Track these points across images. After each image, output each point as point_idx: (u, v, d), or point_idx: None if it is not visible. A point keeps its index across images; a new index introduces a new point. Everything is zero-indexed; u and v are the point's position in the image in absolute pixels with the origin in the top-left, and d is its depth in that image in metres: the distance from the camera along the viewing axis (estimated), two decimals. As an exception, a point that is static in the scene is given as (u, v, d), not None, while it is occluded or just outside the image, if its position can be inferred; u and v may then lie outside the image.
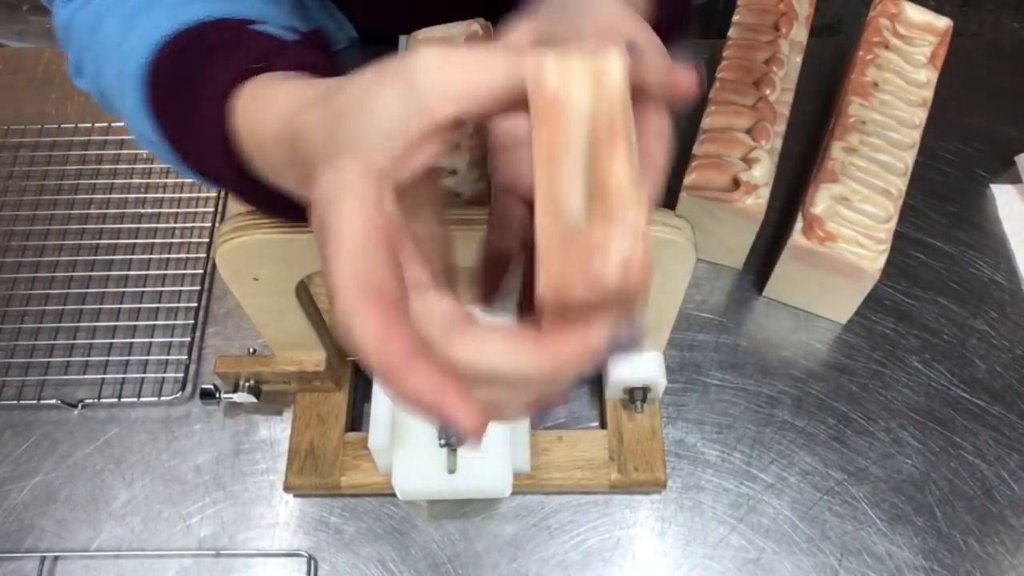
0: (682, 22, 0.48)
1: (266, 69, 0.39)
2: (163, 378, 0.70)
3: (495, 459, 0.58)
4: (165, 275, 0.75)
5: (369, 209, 0.28)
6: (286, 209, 0.39)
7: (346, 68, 0.35)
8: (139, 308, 0.73)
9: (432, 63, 0.29)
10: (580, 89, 0.27)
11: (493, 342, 0.28)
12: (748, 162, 0.70)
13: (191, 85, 0.41)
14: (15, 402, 0.69)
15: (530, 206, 0.30)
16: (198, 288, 0.74)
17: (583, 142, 0.27)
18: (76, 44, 0.49)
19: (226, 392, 0.65)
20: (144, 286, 0.74)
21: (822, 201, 0.68)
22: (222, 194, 0.79)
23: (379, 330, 0.27)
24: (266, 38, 0.42)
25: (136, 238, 0.77)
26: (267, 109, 0.37)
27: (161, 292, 0.74)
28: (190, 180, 0.80)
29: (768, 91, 0.73)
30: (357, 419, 0.68)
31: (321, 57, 0.42)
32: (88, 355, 0.71)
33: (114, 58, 0.45)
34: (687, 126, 0.74)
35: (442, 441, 0.58)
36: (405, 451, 0.58)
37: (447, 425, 0.27)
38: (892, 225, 0.67)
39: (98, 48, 0.47)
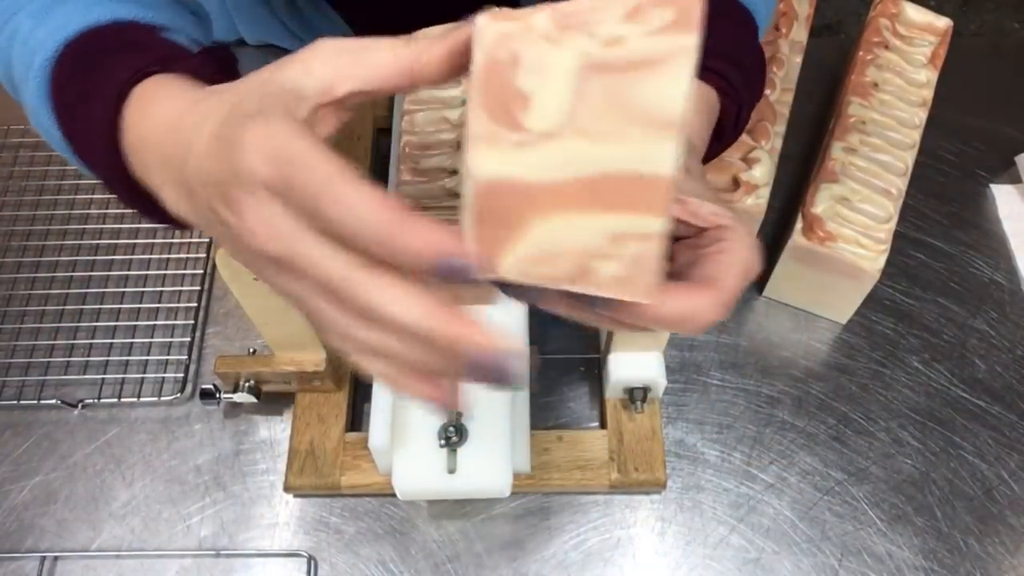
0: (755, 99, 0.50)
1: (163, 72, 0.41)
2: (163, 378, 0.70)
3: (495, 459, 0.58)
4: (165, 275, 0.75)
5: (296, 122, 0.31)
6: (156, 213, 0.41)
7: None
8: (139, 308, 0.73)
9: (332, 50, 0.33)
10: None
11: (397, 287, 0.30)
12: (748, 162, 0.70)
13: (89, 80, 0.42)
14: (15, 402, 0.69)
15: None
16: (198, 288, 0.74)
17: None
18: None
19: (226, 392, 0.65)
20: (144, 286, 0.74)
21: (822, 201, 0.68)
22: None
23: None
24: (169, 44, 0.44)
25: (136, 238, 0.77)
26: (153, 105, 0.39)
27: (161, 292, 0.74)
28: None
29: (768, 91, 0.73)
30: (357, 419, 0.68)
31: (220, 72, 0.43)
32: (88, 355, 0.71)
33: (22, 49, 0.46)
34: (687, 126, 0.74)
35: (442, 441, 0.58)
36: (405, 451, 0.58)
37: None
38: (892, 225, 0.67)
39: (8, 39, 0.47)
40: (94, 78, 0.41)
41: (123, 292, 0.74)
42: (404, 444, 0.58)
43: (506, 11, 0.31)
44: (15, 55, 0.47)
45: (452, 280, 0.29)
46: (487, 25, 0.30)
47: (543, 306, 0.34)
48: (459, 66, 0.32)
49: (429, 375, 0.32)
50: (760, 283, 0.74)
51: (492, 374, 0.30)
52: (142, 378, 0.70)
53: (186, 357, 0.70)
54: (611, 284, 0.31)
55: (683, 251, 0.37)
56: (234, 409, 0.68)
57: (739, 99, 0.46)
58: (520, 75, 0.30)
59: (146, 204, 0.41)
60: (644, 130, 0.29)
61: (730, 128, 0.48)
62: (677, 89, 0.29)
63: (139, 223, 0.77)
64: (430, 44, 0.33)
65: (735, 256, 0.35)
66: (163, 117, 0.37)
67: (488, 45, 0.30)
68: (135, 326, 0.72)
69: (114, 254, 0.76)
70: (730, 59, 0.45)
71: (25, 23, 0.46)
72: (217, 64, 0.44)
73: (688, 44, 0.28)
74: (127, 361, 0.71)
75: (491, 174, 0.30)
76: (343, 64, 0.33)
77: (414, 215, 0.28)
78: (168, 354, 0.71)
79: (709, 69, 0.44)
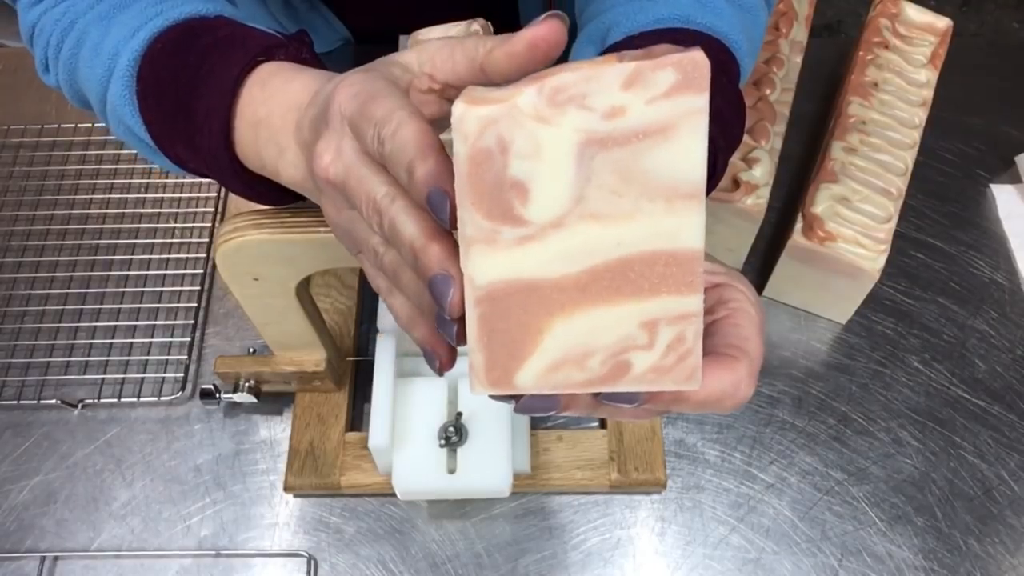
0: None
1: (268, 60, 0.43)
2: (163, 378, 0.70)
3: (495, 459, 0.58)
4: (165, 275, 0.75)
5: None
6: (260, 193, 0.44)
7: (332, 67, 0.41)
8: (139, 308, 0.73)
9: (441, 40, 0.36)
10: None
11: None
12: (748, 162, 0.70)
13: (194, 75, 0.43)
14: (15, 402, 0.69)
15: None
16: (198, 288, 0.74)
17: None
18: (45, 43, 0.51)
19: (226, 392, 0.65)
20: (144, 286, 0.74)
21: (822, 201, 0.68)
22: (222, 194, 0.79)
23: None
24: (264, 34, 0.45)
25: (136, 238, 0.77)
26: (282, 87, 0.41)
27: (161, 292, 0.74)
28: (190, 180, 0.80)
29: (768, 91, 0.73)
30: (357, 419, 0.68)
31: (311, 55, 0.45)
32: (88, 355, 0.71)
33: (93, 55, 0.47)
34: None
35: (442, 441, 0.58)
36: (405, 451, 0.58)
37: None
38: (892, 225, 0.67)
39: (74, 46, 0.49)
40: (201, 73, 0.43)
41: (123, 292, 0.74)
42: (404, 444, 0.58)
43: (484, 92, 0.28)
44: (82, 62, 0.48)
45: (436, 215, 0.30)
46: (466, 111, 0.27)
47: (568, 413, 0.33)
48: (527, 61, 0.33)
49: (430, 320, 0.34)
50: (760, 283, 0.74)
51: (436, 297, 0.31)
52: (142, 378, 0.70)
53: (186, 357, 0.70)
54: (651, 376, 0.29)
55: None
56: (234, 409, 0.68)
57: (714, 149, 0.45)
58: (513, 163, 0.27)
59: (249, 185, 0.44)
60: (666, 203, 0.27)
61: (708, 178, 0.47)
62: (695, 154, 0.27)
63: (139, 223, 0.77)
64: (498, 41, 0.34)
65: (749, 318, 0.35)
66: (293, 95, 0.40)
67: (470, 134, 0.27)
68: (135, 326, 0.72)
69: (114, 254, 0.76)
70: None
71: (92, 29, 0.48)
72: (307, 48, 0.45)
73: (699, 105, 0.26)
74: (127, 361, 0.71)
75: (494, 279, 0.28)
76: (445, 57, 0.36)
77: (440, 155, 0.30)
78: (168, 354, 0.71)
79: None
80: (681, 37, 0.46)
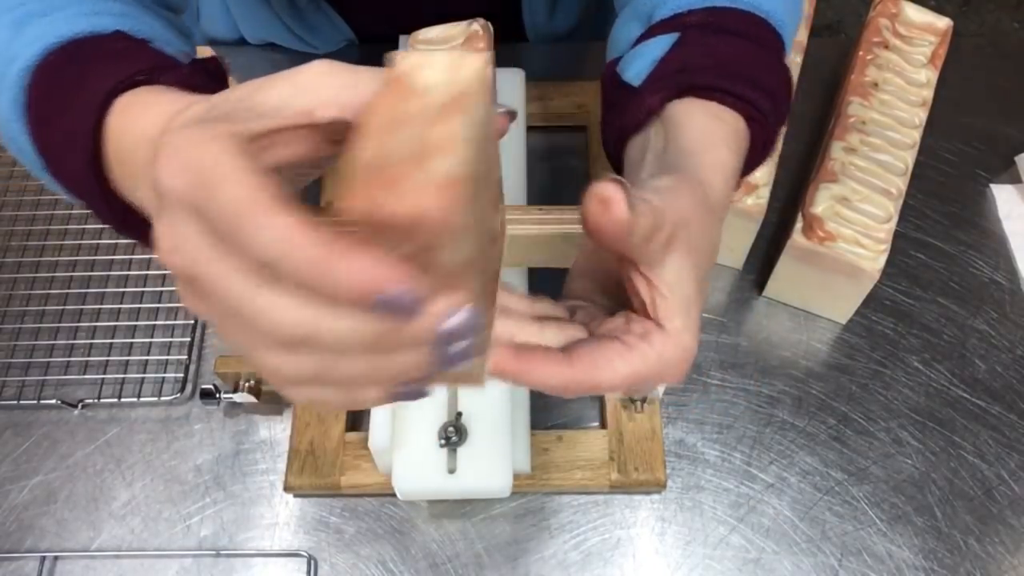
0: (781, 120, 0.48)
1: (149, 83, 0.39)
2: (163, 378, 0.70)
3: (495, 459, 0.58)
4: (165, 275, 0.75)
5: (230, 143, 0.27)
6: (135, 228, 0.39)
7: None
8: (139, 308, 0.73)
9: (321, 69, 0.30)
10: (431, 72, 0.28)
11: (282, 217, 0.25)
12: (748, 162, 0.69)
13: (70, 90, 0.40)
14: (15, 402, 0.69)
15: None
16: (198, 288, 0.74)
17: (422, 115, 0.27)
18: None
19: (226, 392, 0.65)
20: (144, 286, 0.74)
21: (822, 201, 0.68)
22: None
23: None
24: (156, 54, 0.42)
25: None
26: (140, 114, 0.37)
27: (161, 292, 0.74)
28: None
29: (768, 91, 0.73)
30: (357, 419, 0.68)
31: (210, 83, 0.41)
32: (88, 355, 0.71)
33: None
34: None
35: (442, 441, 0.58)
36: (405, 451, 0.58)
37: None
38: (892, 225, 0.67)
39: None
40: (76, 88, 0.39)
41: (123, 292, 0.74)
42: (404, 444, 0.58)
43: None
44: None
45: (397, 318, 0.25)
46: None
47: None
48: None
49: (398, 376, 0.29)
50: (760, 283, 0.74)
51: (396, 309, 0.25)
52: (142, 378, 0.70)
53: (186, 357, 0.70)
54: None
55: (610, 321, 0.36)
56: (234, 409, 0.68)
57: (766, 124, 0.44)
58: None
59: (123, 219, 0.40)
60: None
61: (758, 153, 0.46)
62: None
63: (139, 223, 0.77)
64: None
65: (635, 357, 0.33)
66: (148, 126, 0.36)
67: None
68: (135, 326, 0.72)
69: (114, 254, 0.76)
70: (753, 83, 0.43)
71: (1, 34, 0.44)
72: (207, 74, 0.43)
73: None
74: (127, 361, 0.71)
75: None
76: (331, 87, 0.30)
77: (349, 244, 0.24)
78: (168, 354, 0.71)
79: (734, 95, 0.43)
80: (727, 16, 0.46)
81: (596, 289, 0.39)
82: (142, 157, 0.36)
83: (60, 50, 0.42)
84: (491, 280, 0.33)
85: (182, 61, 0.43)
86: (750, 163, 0.45)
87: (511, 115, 0.32)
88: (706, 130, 0.42)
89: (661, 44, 0.46)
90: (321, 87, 0.30)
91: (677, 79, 0.43)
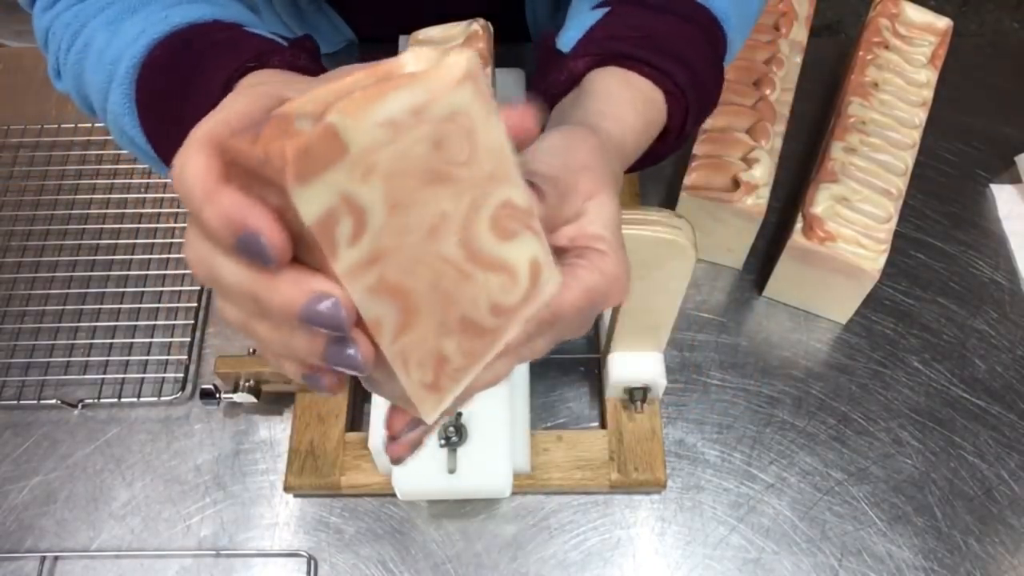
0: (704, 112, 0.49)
1: (261, 67, 0.41)
2: (163, 378, 0.70)
3: (495, 459, 0.58)
4: (165, 275, 0.75)
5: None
6: None
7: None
8: (139, 308, 0.73)
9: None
10: (412, 59, 0.28)
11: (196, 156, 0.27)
12: (748, 162, 0.70)
13: (186, 81, 0.42)
14: (15, 402, 0.69)
15: None
16: (198, 288, 0.74)
17: (363, 82, 0.27)
18: (56, 47, 0.50)
19: (226, 392, 0.65)
20: (144, 286, 0.74)
21: (822, 201, 0.68)
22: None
23: (206, 164, 0.27)
24: (260, 39, 0.44)
25: (136, 238, 0.77)
26: None
27: (161, 292, 0.74)
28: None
29: (768, 91, 0.73)
30: (357, 419, 0.68)
31: (311, 62, 0.43)
32: (88, 355, 0.71)
33: (98, 61, 0.46)
34: (687, 126, 0.74)
35: (442, 441, 0.58)
36: (405, 451, 0.58)
37: (251, 245, 0.25)
38: (892, 225, 0.67)
39: (81, 51, 0.48)
40: (191, 79, 0.42)
41: (123, 292, 0.74)
42: (404, 444, 0.58)
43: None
44: (88, 67, 0.48)
45: (255, 261, 0.26)
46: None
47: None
48: None
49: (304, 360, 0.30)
50: (760, 283, 0.74)
51: (318, 321, 0.26)
52: (142, 378, 0.70)
53: (186, 357, 0.70)
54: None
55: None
56: (234, 409, 0.68)
57: (686, 103, 0.45)
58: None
59: None
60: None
61: (675, 131, 0.46)
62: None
63: (139, 223, 0.77)
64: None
65: (582, 275, 0.34)
66: None
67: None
68: (135, 326, 0.72)
69: (114, 254, 0.76)
70: (677, 58, 0.44)
71: (98, 35, 0.47)
72: (308, 54, 0.44)
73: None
74: (127, 361, 0.71)
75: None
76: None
77: (225, 187, 0.26)
78: (168, 354, 0.71)
79: (652, 65, 0.44)
80: (676, 4, 0.47)
81: None
82: None
83: (164, 44, 0.44)
84: (446, 309, 0.29)
85: (281, 43, 0.44)
86: (666, 140, 0.46)
87: (531, 107, 0.31)
88: (614, 92, 0.43)
89: (595, 15, 0.47)
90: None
91: (601, 46, 0.45)
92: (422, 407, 0.30)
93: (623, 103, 0.43)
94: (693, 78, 0.45)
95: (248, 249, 0.25)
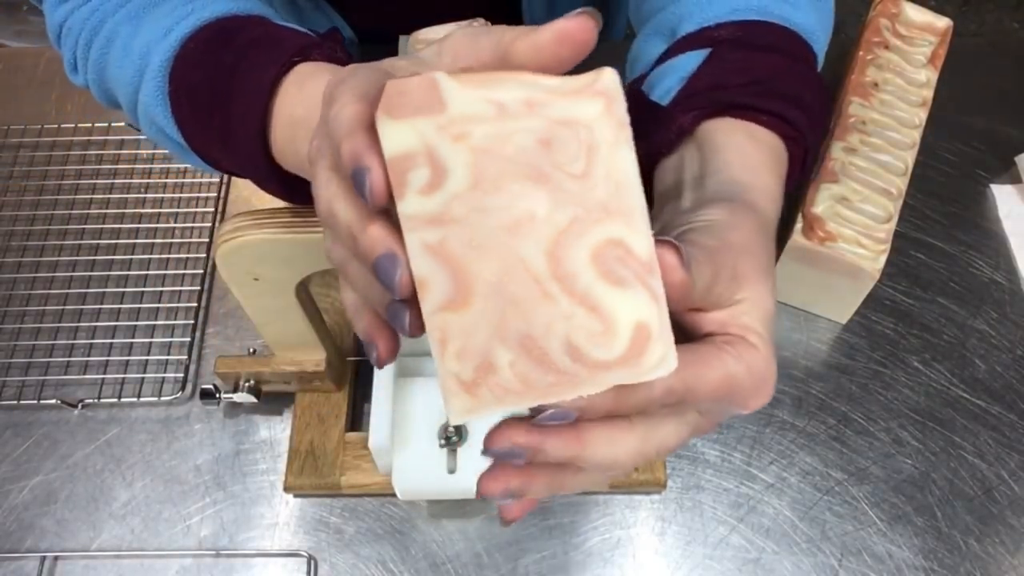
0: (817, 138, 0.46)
1: (304, 60, 0.42)
2: (163, 378, 0.70)
3: (495, 459, 0.57)
4: (165, 275, 0.75)
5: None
6: (291, 190, 0.44)
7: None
8: (139, 308, 0.73)
9: (466, 31, 0.33)
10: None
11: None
12: (748, 162, 0.69)
13: (230, 76, 0.43)
14: (15, 402, 0.69)
15: None
16: (198, 288, 0.74)
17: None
18: (73, 42, 0.50)
19: (226, 392, 0.65)
20: (144, 286, 0.74)
21: (822, 201, 0.68)
22: (222, 194, 0.79)
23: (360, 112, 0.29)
24: (297, 33, 0.45)
25: (136, 238, 0.77)
26: (317, 91, 0.39)
27: (161, 292, 0.74)
28: (190, 181, 0.80)
29: (768, 91, 0.73)
30: (357, 419, 0.68)
31: (345, 53, 0.44)
32: (88, 355, 0.71)
33: (124, 55, 0.47)
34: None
35: (442, 441, 0.58)
36: (405, 451, 0.58)
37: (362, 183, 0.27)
38: (892, 225, 0.67)
39: (104, 46, 0.48)
40: (236, 74, 0.42)
41: (123, 292, 0.74)
42: (404, 444, 0.58)
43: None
44: (113, 61, 0.48)
45: (360, 193, 0.28)
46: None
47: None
48: (552, 55, 0.30)
49: (372, 308, 0.32)
50: (760, 283, 0.74)
51: (380, 275, 0.28)
52: (142, 378, 0.70)
53: (186, 357, 0.70)
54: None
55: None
56: (234, 409, 0.68)
57: (805, 143, 0.42)
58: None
59: (284, 186, 0.44)
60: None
61: (797, 173, 0.43)
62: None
63: (139, 223, 0.77)
64: (525, 31, 0.31)
65: (727, 360, 0.31)
66: (320, 95, 0.38)
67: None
68: (135, 326, 0.72)
69: (114, 254, 0.76)
70: (790, 99, 0.41)
71: (122, 28, 0.47)
72: (340, 46, 0.45)
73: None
74: (127, 361, 0.71)
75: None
76: (467, 44, 0.32)
77: (360, 131, 0.28)
78: (168, 354, 0.71)
79: (771, 114, 0.41)
80: (757, 29, 0.44)
81: None
82: (311, 119, 0.39)
83: (196, 38, 0.45)
84: (509, 315, 0.27)
85: (316, 37, 0.45)
86: (788, 183, 0.43)
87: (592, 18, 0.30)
88: (746, 154, 0.40)
89: (691, 60, 0.44)
90: (459, 45, 0.32)
91: (710, 97, 0.41)
92: (448, 400, 0.28)
93: (762, 169, 0.40)
94: (810, 118, 0.42)
95: (357, 180, 0.27)
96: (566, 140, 0.26)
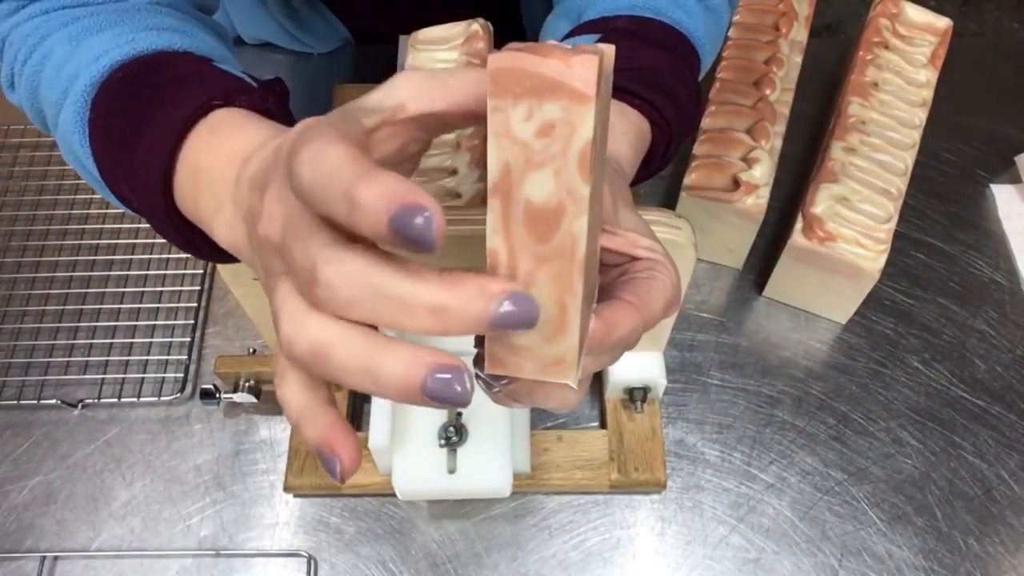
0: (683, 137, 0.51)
1: (226, 105, 0.40)
2: (163, 378, 0.70)
3: (495, 459, 0.58)
4: (165, 275, 0.75)
5: (341, 135, 0.28)
6: (188, 241, 0.41)
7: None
8: (139, 308, 0.73)
9: (416, 75, 0.32)
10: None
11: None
12: (748, 162, 0.70)
13: (144, 110, 0.40)
14: (15, 402, 0.69)
15: None
16: (198, 288, 0.74)
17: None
18: (12, 57, 0.48)
19: (226, 392, 0.65)
20: (144, 286, 0.74)
21: (822, 201, 0.68)
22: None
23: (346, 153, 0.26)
24: (229, 76, 0.42)
25: (136, 238, 0.77)
26: (230, 136, 0.38)
27: (161, 292, 0.74)
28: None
29: (768, 91, 0.73)
30: (357, 419, 0.68)
31: (278, 105, 0.42)
32: (88, 355, 0.71)
33: (55, 75, 0.45)
34: (687, 126, 0.74)
35: (442, 441, 0.58)
36: (405, 451, 0.58)
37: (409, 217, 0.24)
38: (892, 225, 0.67)
39: (38, 63, 0.46)
40: (152, 109, 0.40)
41: (123, 292, 0.74)
42: (404, 444, 0.58)
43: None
44: (44, 79, 0.46)
45: (412, 246, 0.24)
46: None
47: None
48: None
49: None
50: (760, 283, 0.74)
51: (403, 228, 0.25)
52: (142, 378, 0.70)
53: (186, 357, 0.70)
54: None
55: (611, 274, 0.36)
56: (234, 409, 0.68)
57: (669, 131, 0.47)
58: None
59: (184, 237, 0.41)
60: None
61: (658, 158, 0.48)
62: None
63: (139, 223, 0.77)
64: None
65: (662, 284, 0.35)
66: (240, 145, 0.37)
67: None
68: (135, 326, 0.72)
69: (114, 254, 0.76)
70: (663, 91, 0.46)
71: (59, 48, 0.45)
72: (276, 98, 0.43)
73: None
74: (127, 361, 0.71)
75: None
76: (422, 86, 0.32)
77: (381, 170, 0.25)
78: (168, 354, 0.71)
79: (642, 98, 0.46)
80: (650, 26, 0.49)
81: None
82: (226, 178, 0.36)
83: (125, 68, 0.42)
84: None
85: (250, 83, 0.43)
86: (650, 165, 0.48)
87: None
88: (612, 124, 0.44)
89: (585, 43, 0.47)
90: (411, 87, 0.32)
91: None
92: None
93: (619, 138, 0.44)
94: (678, 112, 0.47)
95: (409, 226, 0.24)
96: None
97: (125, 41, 0.43)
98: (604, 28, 0.49)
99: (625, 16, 0.49)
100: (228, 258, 0.39)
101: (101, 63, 0.43)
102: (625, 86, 0.45)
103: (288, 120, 0.41)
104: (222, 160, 0.37)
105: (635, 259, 0.36)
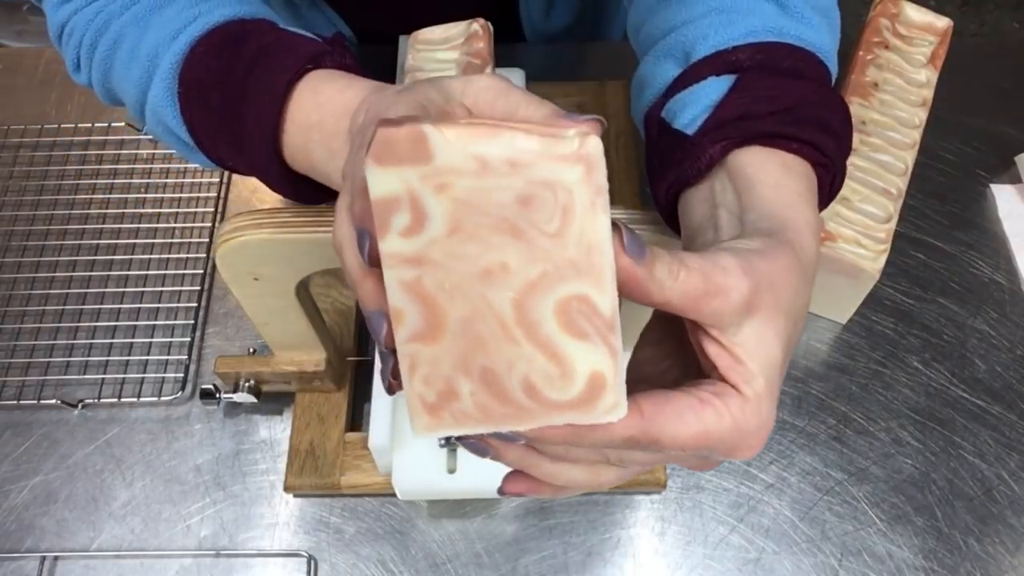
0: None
1: (316, 68, 0.44)
2: (163, 378, 0.70)
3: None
4: (165, 275, 0.75)
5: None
6: (298, 191, 0.47)
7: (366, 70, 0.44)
8: (139, 308, 0.73)
9: (494, 88, 0.35)
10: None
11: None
12: (748, 162, 0.69)
13: (242, 81, 0.44)
14: (15, 402, 0.69)
15: None
16: (198, 288, 0.74)
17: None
18: (76, 43, 0.51)
19: (226, 392, 0.65)
20: (144, 286, 0.74)
21: (822, 201, 0.68)
22: (222, 194, 0.79)
23: None
24: (307, 40, 0.46)
25: (136, 238, 0.77)
26: (332, 98, 0.43)
27: (161, 292, 0.74)
28: (190, 181, 0.80)
29: (768, 91, 0.73)
30: (357, 419, 0.68)
31: (353, 60, 0.46)
32: (88, 355, 0.71)
33: (131, 57, 0.48)
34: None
35: (442, 441, 0.58)
36: (405, 451, 0.58)
37: None
38: (892, 225, 0.67)
39: (109, 47, 0.49)
40: (250, 79, 0.44)
41: (123, 292, 0.74)
42: (404, 444, 0.58)
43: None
44: (119, 63, 0.49)
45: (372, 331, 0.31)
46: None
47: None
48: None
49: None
50: (760, 283, 0.74)
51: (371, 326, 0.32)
52: (142, 378, 0.70)
53: (186, 357, 0.70)
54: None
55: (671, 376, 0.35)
56: (234, 409, 0.68)
57: (833, 168, 0.42)
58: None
59: (292, 187, 0.46)
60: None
61: (825, 199, 0.43)
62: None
63: (139, 223, 0.77)
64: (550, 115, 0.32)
65: (710, 415, 0.31)
66: (347, 102, 0.42)
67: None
68: (135, 326, 0.72)
69: (114, 254, 0.76)
70: (820, 127, 0.41)
71: (128, 31, 0.49)
72: (349, 54, 0.47)
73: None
74: (127, 361, 0.71)
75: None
76: (493, 99, 0.34)
77: (370, 275, 0.32)
78: (168, 354, 0.71)
79: (802, 141, 0.40)
80: (777, 52, 0.43)
81: (666, 358, 0.37)
82: (338, 130, 0.42)
83: (203, 41, 0.46)
84: (472, 350, 0.30)
85: (326, 46, 0.47)
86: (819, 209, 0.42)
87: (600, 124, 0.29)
88: (783, 186, 0.39)
89: (715, 87, 0.42)
90: (482, 97, 0.35)
91: (739, 127, 0.40)
92: (413, 418, 0.30)
93: (799, 202, 0.38)
94: (838, 143, 0.42)
95: (360, 239, 0.31)
96: (544, 200, 0.27)
97: (192, 16, 0.47)
98: (727, 65, 0.43)
99: (745, 46, 0.43)
100: (333, 196, 0.45)
101: (180, 41, 0.46)
102: (778, 131, 0.40)
103: (362, 70, 0.45)
104: (332, 115, 0.42)
105: (723, 379, 0.31)
